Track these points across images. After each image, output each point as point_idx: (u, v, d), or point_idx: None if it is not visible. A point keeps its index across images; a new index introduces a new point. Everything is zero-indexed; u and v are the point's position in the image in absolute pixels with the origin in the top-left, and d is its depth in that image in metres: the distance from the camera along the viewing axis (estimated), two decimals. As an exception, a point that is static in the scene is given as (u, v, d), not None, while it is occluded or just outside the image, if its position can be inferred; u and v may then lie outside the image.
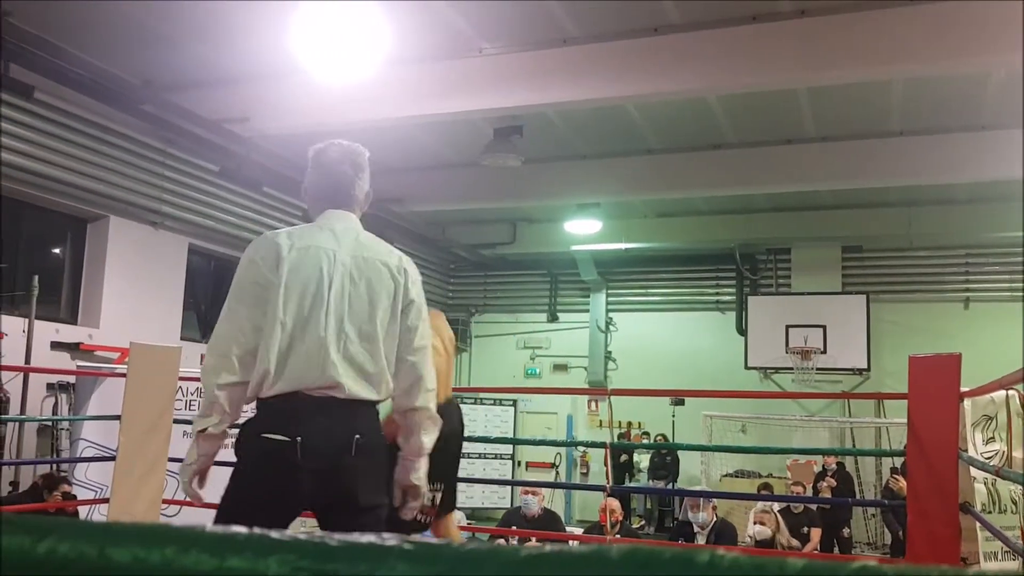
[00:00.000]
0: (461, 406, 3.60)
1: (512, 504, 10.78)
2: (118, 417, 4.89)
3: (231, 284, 2.44)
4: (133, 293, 8.64)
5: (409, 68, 7.08)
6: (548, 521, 7.16)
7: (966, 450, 3.82)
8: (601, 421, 13.05)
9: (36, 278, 7.48)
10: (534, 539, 6.20)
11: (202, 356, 2.75)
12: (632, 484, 11.92)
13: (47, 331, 7.82)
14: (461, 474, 3.66)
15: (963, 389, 3.84)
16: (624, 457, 11.81)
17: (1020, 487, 3.70)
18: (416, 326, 2.52)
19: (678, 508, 9.93)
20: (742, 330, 12.41)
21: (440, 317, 3.43)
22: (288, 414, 2.33)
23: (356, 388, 2.38)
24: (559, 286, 14.10)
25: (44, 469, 6.91)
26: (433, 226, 12.50)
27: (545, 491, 7.84)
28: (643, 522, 11.78)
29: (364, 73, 6.90)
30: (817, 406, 11.62)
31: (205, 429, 2.37)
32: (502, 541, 6.49)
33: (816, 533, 8.13)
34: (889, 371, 11.23)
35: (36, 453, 7.66)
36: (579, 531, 8.51)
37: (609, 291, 13.70)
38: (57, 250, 8.63)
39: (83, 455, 6.94)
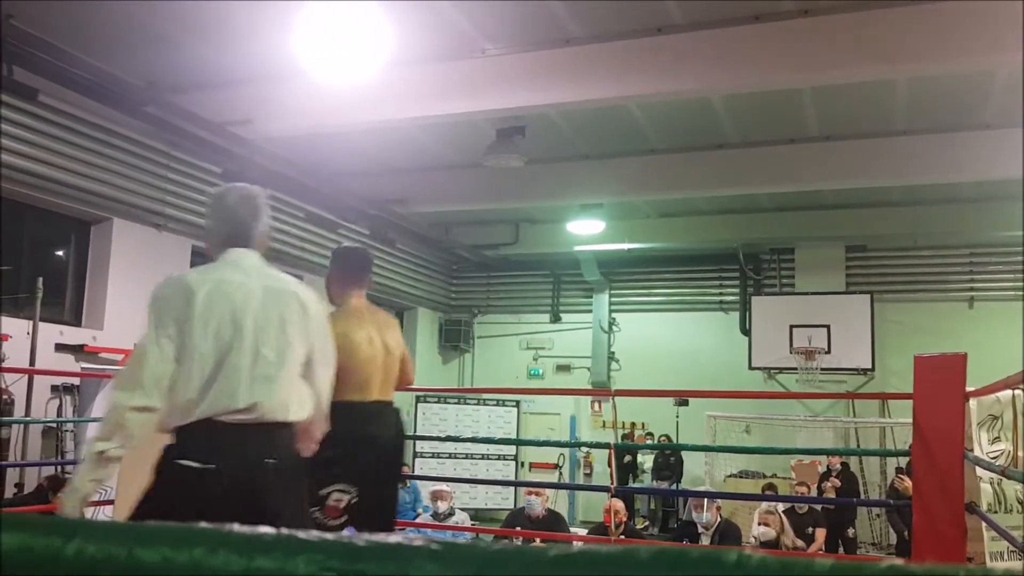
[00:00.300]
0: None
1: (515, 505, 10.78)
2: (123, 419, 4.88)
3: (147, 316, 2.48)
4: (137, 295, 8.57)
5: (412, 69, 7.08)
6: (552, 522, 7.14)
7: (971, 450, 3.82)
8: (604, 422, 13.03)
9: (40, 280, 7.48)
10: (538, 540, 6.20)
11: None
12: (636, 485, 11.91)
13: (51, 333, 7.82)
14: (464, 475, 3.66)
15: (968, 389, 3.83)
16: (628, 458, 11.80)
17: (1027, 487, 3.69)
18: (323, 347, 2.73)
19: (682, 509, 9.91)
20: (746, 330, 12.39)
21: (351, 318, 3.49)
22: (205, 440, 2.40)
23: (274, 412, 2.48)
24: (562, 287, 14.07)
25: (49, 471, 6.92)
26: (436, 227, 12.50)
27: (549, 492, 7.83)
28: (647, 523, 11.76)
29: (367, 74, 6.90)
30: (821, 406, 11.60)
31: (104, 451, 2.36)
32: (506, 542, 6.49)
33: (821, 533, 8.10)
34: (894, 371, 11.21)
35: (41, 455, 7.66)
36: (583, 532, 8.50)
37: (612, 292, 13.68)
38: (61, 252, 8.63)
39: (87, 457, 6.92)
